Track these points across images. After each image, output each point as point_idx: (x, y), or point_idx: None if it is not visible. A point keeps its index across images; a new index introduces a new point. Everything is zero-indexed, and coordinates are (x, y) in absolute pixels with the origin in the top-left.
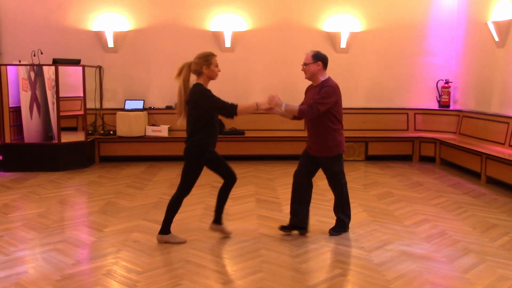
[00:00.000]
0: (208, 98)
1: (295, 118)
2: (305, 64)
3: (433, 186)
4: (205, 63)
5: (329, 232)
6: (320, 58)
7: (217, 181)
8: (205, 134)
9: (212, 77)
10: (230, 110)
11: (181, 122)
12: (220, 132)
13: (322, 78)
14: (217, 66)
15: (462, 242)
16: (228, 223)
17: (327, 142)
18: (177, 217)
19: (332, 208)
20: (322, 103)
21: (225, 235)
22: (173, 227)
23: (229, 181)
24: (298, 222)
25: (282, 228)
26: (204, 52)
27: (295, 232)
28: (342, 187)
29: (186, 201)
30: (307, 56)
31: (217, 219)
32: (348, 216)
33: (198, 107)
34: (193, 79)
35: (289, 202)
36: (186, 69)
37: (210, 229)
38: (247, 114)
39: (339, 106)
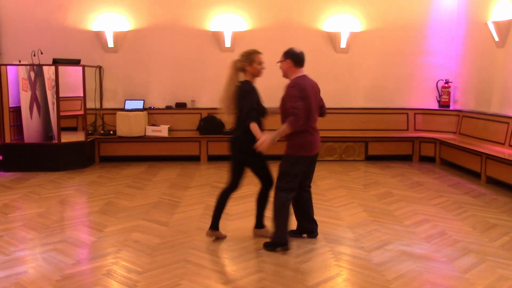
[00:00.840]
0: (244, 97)
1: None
2: (278, 62)
3: (433, 186)
4: (247, 61)
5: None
6: (290, 55)
7: (217, 181)
8: (248, 130)
9: (256, 74)
10: (247, 119)
11: (228, 118)
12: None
13: (292, 77)
14: (260, 63)
15: (462, 242)
16: (228, 223)
17: (294, 139)
18: (177, 217)
19: (332, 208)
20: (295, 107)
21: (266, 236)
22: (174, 227)
23: (267, 185)
24: (302, 228)
25: (290, 233)
26: (248, 50)
27: (304, 235)
28: (279, 191)
29: (186, 201)
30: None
31: (258, 224)
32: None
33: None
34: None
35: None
36: (232, 67)
37: (254, 235)
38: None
39: (307, 101)
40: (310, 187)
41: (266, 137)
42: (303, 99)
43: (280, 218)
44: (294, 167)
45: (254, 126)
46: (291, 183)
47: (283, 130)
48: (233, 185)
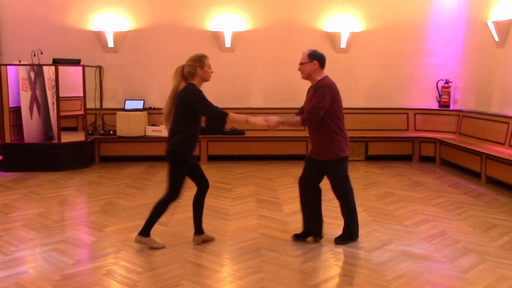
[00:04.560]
0: (201, 100)
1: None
2: (301, 64)
3: (433, 186)
4: (199, 65)
5: (334, 240)
6: (316, 57)
7: (217, 181)
8: (188, 135)
9: (206, 78)
10: (221, 116)
11: (169, 127)
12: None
13: (318, 78)
14: (210, 67)
15: (462, 242)
16: (228, 223)
17: (328, 143)
18: (177, 217)
19: (332, 208)
20: (320, 107)
21: (210, 240)
22: (174, 227)
23: (204, 188)
24: (309, 228)
25: (296, 236)
26: (197, 54)
27: (310, 239)
28: (347, 193)
29: (186, 201)
30: (303, 55)
31: (198, 230)
32: (355, 224)
33: (188, 107)
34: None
35: (289, 202)
36: (179, 73)
37: (194, 242)
38: (236, 123)
39: (337, 104)
40: None
41: (271, 117)
42: (334, 101)
43: (355, 214)
44: (346, 166)
45: (231, 116)
46: (350, 182)
47: (295, 122)
48: (174, 195)
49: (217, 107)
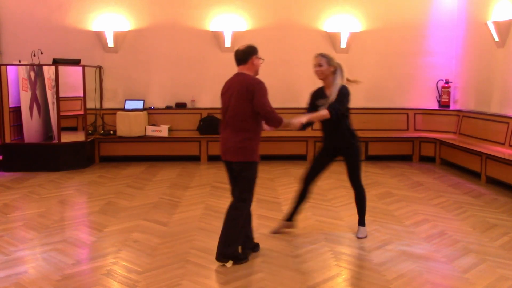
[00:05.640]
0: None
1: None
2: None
3: (433, 186)
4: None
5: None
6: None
7: (217, 181)
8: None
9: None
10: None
11: None
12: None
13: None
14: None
15: (462, 242)
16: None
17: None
18: (177, 217)
19: (332, 208)
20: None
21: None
22: (174, 227)
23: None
24: (286, 216)
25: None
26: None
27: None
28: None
29: (186, 201)
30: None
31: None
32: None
33: None
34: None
35: (289, 202)
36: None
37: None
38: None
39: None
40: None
41: (301, 117)
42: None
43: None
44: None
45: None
46: None
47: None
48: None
49: None
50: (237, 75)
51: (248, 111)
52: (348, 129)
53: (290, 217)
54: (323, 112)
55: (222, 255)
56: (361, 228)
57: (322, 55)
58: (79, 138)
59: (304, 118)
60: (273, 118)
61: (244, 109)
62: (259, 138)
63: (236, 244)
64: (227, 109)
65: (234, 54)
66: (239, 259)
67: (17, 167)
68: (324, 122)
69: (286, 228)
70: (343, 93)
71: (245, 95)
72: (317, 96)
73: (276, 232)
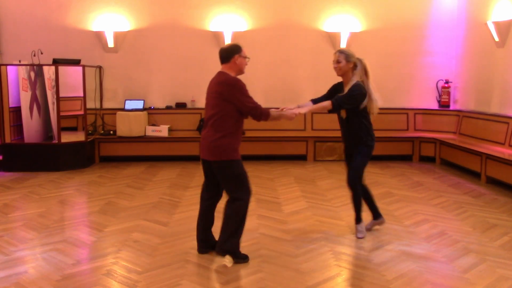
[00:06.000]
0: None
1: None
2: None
3: (433, 186)
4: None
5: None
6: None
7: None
8: None
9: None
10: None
11: None
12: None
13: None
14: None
15: (462, 242)
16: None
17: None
18: (177, 217)
19: (332, 208)
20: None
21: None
22: (174, 227)
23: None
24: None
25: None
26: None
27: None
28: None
29: (186, 201)
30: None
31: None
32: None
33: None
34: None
35: (289, 202)
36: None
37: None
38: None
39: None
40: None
41: (300, 109)
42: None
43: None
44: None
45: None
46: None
47: (324, 107)
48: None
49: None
50: (217, 74)
51: (225, 111)
52: (363, 129)
53: (376, 215)
54: (325, 103)
55: (220, 248)
56: (358, 226)
57: (340, 52)
58: (79, 138)
59: (304, 110)
60: (259, 113)
61: (221, 108)
62: (239, 137)
63: (234, 239)
64: (207, 108)
65: (218, 53)
66: (239, 257)
67: (17, 167)
68: (340, 120)
69: (378, 225)
70: (354, 90)
71: (222, 95)
72: (335, 91)
73: (368, 229)
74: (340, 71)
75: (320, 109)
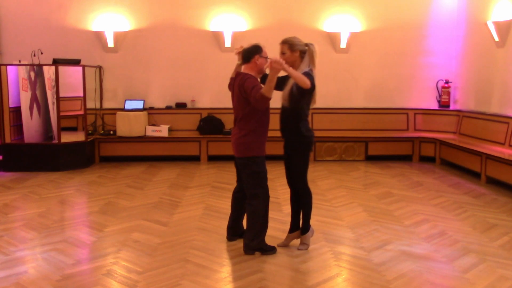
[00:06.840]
0: None
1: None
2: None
3: (433, 186)
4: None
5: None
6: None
7: (217, 181)
8: None
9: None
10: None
11: None
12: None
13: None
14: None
15: (462, 242)
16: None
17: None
18: (177, 217)
19: (332, 208)
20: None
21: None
22: (174, 227)
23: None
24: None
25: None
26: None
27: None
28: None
29: (186, 201)
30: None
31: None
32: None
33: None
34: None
35: (289, 202)
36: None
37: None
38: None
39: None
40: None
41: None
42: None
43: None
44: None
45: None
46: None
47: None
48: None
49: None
50: (237, 75)
51: (247, 110)
52: (300, 124)
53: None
54: (305, 78)
55: (248, 247)
56: (303, 237)
57: (284, 42)
58: (79, 138)
59: (290, 69)
60: (257, 95)
61: (243, 108)
62: (262, 133)
63: (260, 236)
64: (233, 108)
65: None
66: (266, 250)
67: (17, 167)
68: (283, 111)
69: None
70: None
71: (242, 95)
72: (282, 83)
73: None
74: (287, 63)
75: (299, 79)
